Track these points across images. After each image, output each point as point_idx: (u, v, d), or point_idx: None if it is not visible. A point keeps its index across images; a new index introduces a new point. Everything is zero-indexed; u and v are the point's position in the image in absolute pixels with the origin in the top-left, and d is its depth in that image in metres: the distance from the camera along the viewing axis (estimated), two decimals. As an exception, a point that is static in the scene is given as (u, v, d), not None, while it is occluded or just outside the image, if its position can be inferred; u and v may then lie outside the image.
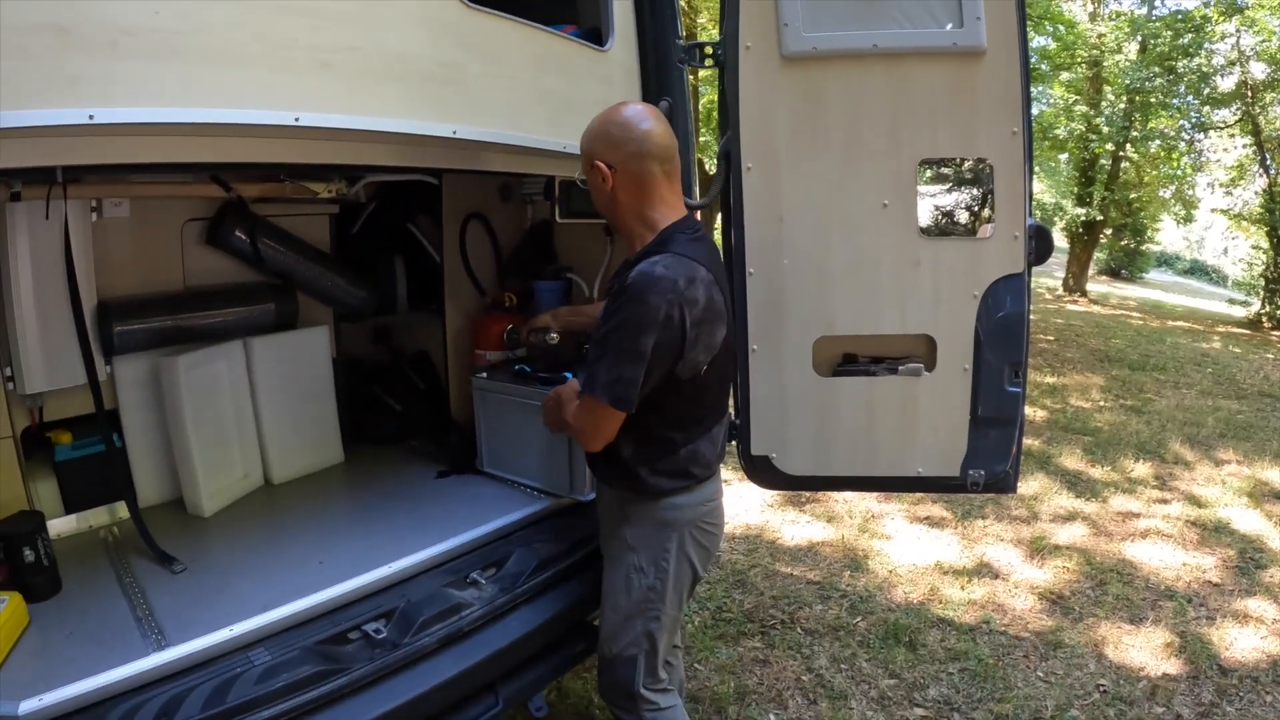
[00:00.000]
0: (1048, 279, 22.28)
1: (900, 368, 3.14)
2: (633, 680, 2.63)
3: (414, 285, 4.19)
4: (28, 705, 1.90)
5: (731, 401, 2.86)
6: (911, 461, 3.22)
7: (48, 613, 2.40)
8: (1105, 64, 18.27)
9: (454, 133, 2.47)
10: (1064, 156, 20.96)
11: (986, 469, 3.21)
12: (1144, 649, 4.24)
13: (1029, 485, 6.43)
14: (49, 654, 2.20)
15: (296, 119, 2.07)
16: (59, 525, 2.90)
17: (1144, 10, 19.27)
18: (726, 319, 2.42)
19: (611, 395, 2.26)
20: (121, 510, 3.04)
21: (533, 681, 2.71)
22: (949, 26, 2.91)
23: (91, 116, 1.73)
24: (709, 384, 2.44)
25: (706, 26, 13.99)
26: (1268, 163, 18.08)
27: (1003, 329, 3.08)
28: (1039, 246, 3.08)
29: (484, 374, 3.52)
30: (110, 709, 1.98)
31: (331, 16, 2.14)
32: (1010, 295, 3.08)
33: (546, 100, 2.88)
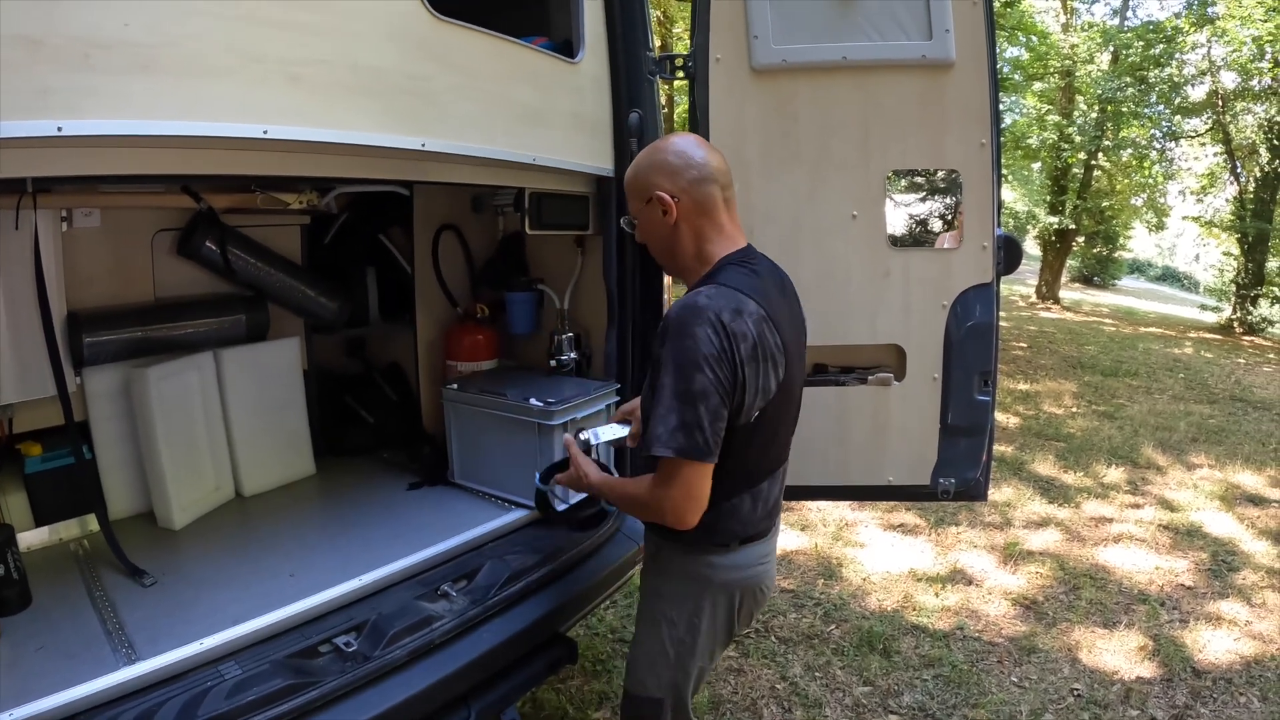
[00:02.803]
0: (1021, 286, 22.45)
1: (870, 377, 3.16)
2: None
3: (386, 296, 4.17)
4: (-3, 720, 1.88)
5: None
6: (882, 470, 3.25)
7: (18, 627, 2.38)
8: (1077, 74, 18.49)
9: (423, 145, 2.46)
10: (1037, 165, 21.21)
11: (957, 477, 3.24)
12: (1118, 653, 4.27)
13: (1002, 491, 6.47)
14: (19, 668, 2.17)
15: (265, 131, 2.06)
16: (29, 538, 2.87)
17: (1116, 21, 19.58)
18: (785, 361, 2.18)
19: (679, 447, 2.02)
20: (92, 523, 3.01)
21: (506, 694, 2.68)
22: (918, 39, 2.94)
23: (60, 129, 1.71)
24: (757, 435, 2.20)
25: (681, 36, 14.05)
26: (1238, 170, 18.36)
27: (972, 338, 3.12)
28: (1008, 256, 3.12)
29: (455, 385, 3.51)
30: (81, 724, 1.96)
31: (301, 29, 2.13)
32: (980, 304, 3.12)
33: (517, 112, 2.87)
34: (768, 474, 2.35)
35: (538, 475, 2.69)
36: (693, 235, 2.25)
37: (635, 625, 2.57)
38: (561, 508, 2.88)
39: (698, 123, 3.09)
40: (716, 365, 2.01)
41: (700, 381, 2.01)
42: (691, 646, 2.40)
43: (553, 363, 3.68)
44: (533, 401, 3.20)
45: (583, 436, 2.63)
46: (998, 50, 2.97)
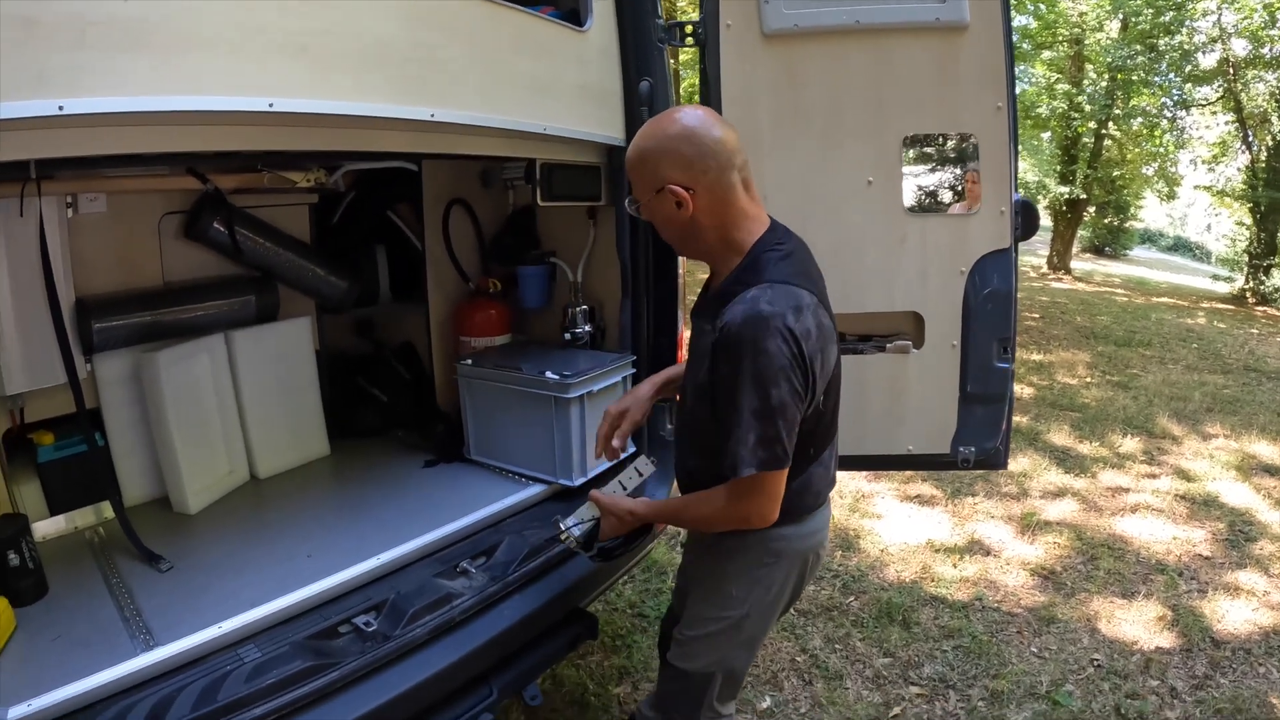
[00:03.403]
0: (1032, 257, 22.33)
1: (888, 345, 3.13)
2: (706, 694, 2.45)
3: (396, 274, 4.16)
4: (16, 711, 1.86)
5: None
6: (901, 439, 3.23)
7: (34, 616, 2.36)
8: (1087, 42, 18.32)
9: (431, 116, 2.42)
10: (1046, 135, 21.02)
11: (976, 446, 3.22)
12: (1136, 623, 4.25)
13: (1018, 462, 6.44)
14: (37, 658, 2.17)
15: (271, 105, 2.02)
16: (43, 527, 2.86)
17: (1125, -12, 19.36)
18: (836, 335, 2.18)
19: (760, 462, 2.01)
20: (106, 510, 3.00)
21: (527, 670, 2.67)
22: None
23: (61, 107, 1.69)
24: (824, 412, 2.20)
25: (685, 11, 13.96)
26: (1249, 139, 18.18)
27: (990, 304, 3.09)
28: (1025, 221, 3.09)
29: (469, 360, 3.48)
30: (100, 712, 1.95)
31: (305, 0, 2.10)
32: (997, 271, 3.09)
33: (526, 82, 2.82)
34: (828, 443, 2.34)
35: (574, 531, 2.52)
36: (714, 225, 2.15)
37: (691, 607, 2.50)
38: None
39: (709, 91, 3.06)
40: (791, 375, 1.98)
41: (777, 396, 1.97)
42: (755, 620, 2.39)
43: (567, 336, 3.64)
44: (549, 374, 3.16)
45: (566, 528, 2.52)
46: (1007, 17, 2.94)
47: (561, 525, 2.51)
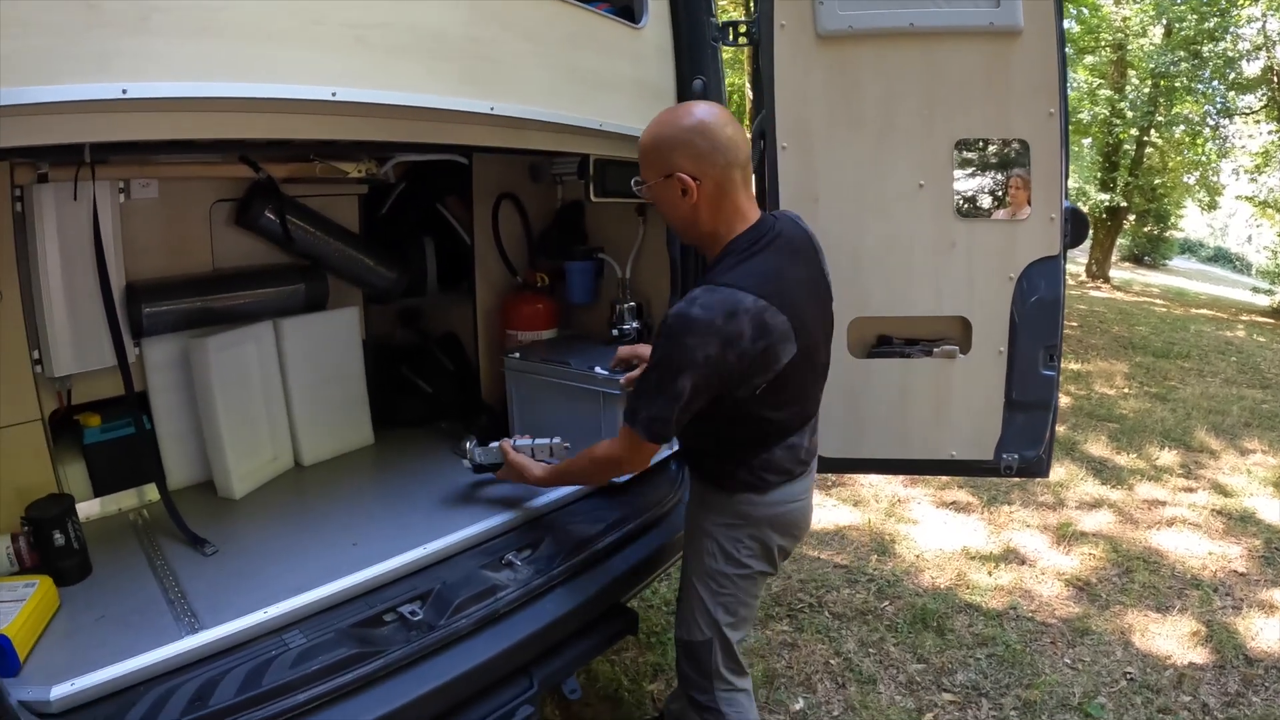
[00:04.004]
0: (1071, 265, 21.99)
1: (935, 350, 3.12)
2: (711, 660, 2.64)
3: (443, 266, 4.17)
4: (59, 690, 1.87)
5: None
6: (945, 445, 3.21)
7: (78, 596, 2.39)
8: (1130, 47, 18.09)
9: (491, 109, 2.44)
10: (1087, 141, 20.74)
11: (1020, 453, 3.21)
12: (1170, 637, 4.21)
13: (1055, 472, 6.35)
14: (80, 638, 2.18)
15: (334, 94, 2.04)
16: (88, 508, 2.88)
17: (1169, -7, 19.13)
18: (796, 333, 2.27)
19: (649, 432, 2.29)
20: (151, 493, 3.02)
21: (567, 664, 2.68)
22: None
23: (125, 91, 1.70)
24: (781, 396, 2.36)
25: (726, 9, 13.94)
26: (1293, 150, 17.91)
27: (1038, 312, 3.07)
28: (1074, 229, 3.06)
29: (517, 354, 3.49)
30: (143, 693, 1.95)
31: (363, -8, 2.12)
32: (1045, 278, 3.07)
33: (582, 77, 2.84)
34: (798, 428, 2.51)
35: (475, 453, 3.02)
36: (710, 215, 2.33)
37: (681, 577, 2.73)
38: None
39: (762, 89, 3.06)
40: (701, 371, 2.17)
41: (680, 384, 2.19)
42: (731, 580, 2.59)
43: (615, 332, 3.65)
44: (598, 370, 3.17)
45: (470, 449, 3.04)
46: (1055, 20, 2.93)
47: (468, 448, 3.02)
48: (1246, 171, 19.54)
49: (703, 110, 2.32)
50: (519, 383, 3.49)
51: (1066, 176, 3.05)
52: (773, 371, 2.26)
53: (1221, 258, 41.40)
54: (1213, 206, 22.89)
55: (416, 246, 4.08)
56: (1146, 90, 17.72)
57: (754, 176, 3.14)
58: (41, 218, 2.67)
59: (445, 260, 4.16)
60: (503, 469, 2.93)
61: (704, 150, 2.25)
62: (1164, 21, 17.55)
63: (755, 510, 2.52)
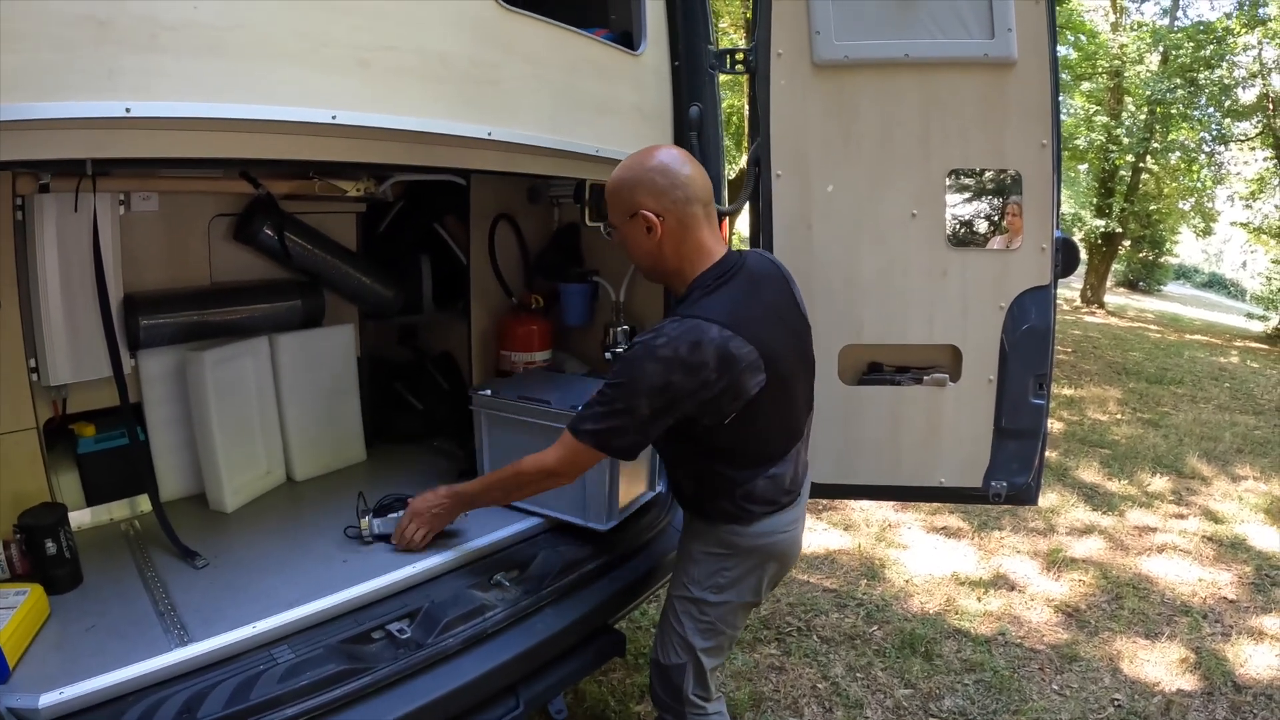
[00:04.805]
0: (1065, 290, 22.16)
1: (925, 377, 3.14)
2: (683, 684, 2.65)
3: (439, 285, 4.17)
4: (48, 698, 1.88)
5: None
6: (934, 472, 3.23)
7: (69, 605, 2.39)
8: (1126, 74, 18.19)
9: (489, 134, 2.46)
10: (1083, 167, 20.83)
11: (1009, 480, 3.22)
12: (1159, 664, 4.21)
13: (1046, 498, 6.38)
14: (70, 647, 2.19)
15: (334, 117, 2.06)
16: (80, 518, 2.89)
17: (1166, 21, 19.26)
18: (765, 363, 2.28)
19: (597, 441, 2.32)
20: (143, 504, 3.03)
21: (554, 684, 2.68)
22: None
23: (128, 110, 1.72)
24: (757, 425, 2.39)
25: (727, 30, 13.98)
26: (1288, 176, 18.00)
27: (1028, 340, 3.10)
28: (1065, 259, 3.09)
29: (487, 391, 3.23)
30: (131, 704, 1.96)
31: (370, 15, 2.14)
32: (1036, 307, 3.10)
33: (581, 103, 2.87)
34: (780, 458, 2.52)
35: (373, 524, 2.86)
36: (675, 252, 2.39)
37: (665, 600, 2.75)
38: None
39: (758, 118, 3.08)
40: (658, 397, 2.22)
41: (637, 404, 2.24)
42: (713, 607, 2.60)
43: (607, 355, 3.66)
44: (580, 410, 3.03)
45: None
46: (1050, 50, 2.97)
47: (366, 521, 2.85)
48: (1241, 198, 19.72)
49: (662, 153, 2.41)
50: (491, 423, 3.25)
51: (1058, 207, 3.08)
52: (741, 401, 2.29)
53: (1216, 283, 41.59)
54: (1208, 232, 23.01)
55: (413, 265, 4.08)
56: (1143, 117, 17.84)
57: (748, 204, 3.17)
58: (42, 227, 2.69)
59: (441, 279, 4.16)
60: (410, 521, 2.77)
61: (664, 187, 2.33)
62: (1161, 49, 17.68)
63: (742, 540, 2.53)
